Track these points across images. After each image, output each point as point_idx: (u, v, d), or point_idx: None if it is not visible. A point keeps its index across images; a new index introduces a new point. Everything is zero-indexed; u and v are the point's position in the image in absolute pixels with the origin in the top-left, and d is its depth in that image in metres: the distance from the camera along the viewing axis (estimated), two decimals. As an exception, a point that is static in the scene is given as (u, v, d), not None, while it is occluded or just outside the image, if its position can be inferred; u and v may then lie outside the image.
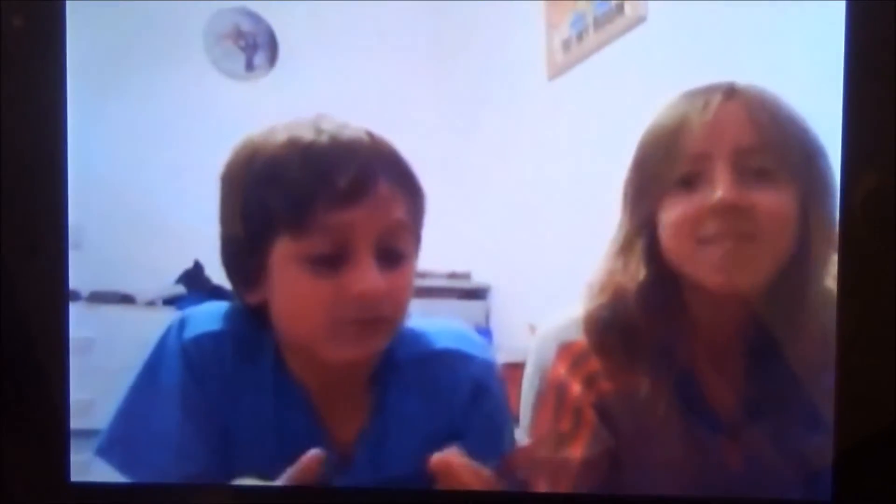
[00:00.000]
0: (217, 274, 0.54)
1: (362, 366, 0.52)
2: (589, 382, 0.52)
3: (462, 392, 0.53)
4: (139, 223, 0.56)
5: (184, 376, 0.52)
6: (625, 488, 0.51)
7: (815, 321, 0.50)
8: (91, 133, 0.52)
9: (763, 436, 0.52)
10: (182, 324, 0.53)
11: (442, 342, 0.54)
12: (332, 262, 0.47)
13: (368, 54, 0.55)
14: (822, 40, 0.49)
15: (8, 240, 0.49)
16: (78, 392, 0.51)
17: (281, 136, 0.49)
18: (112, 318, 0.55)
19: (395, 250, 0.49)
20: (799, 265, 0.50)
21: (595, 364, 0.52)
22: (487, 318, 0.59)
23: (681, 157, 0.49)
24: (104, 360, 0.55)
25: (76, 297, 0.52)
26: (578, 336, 0.53)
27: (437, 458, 0.48)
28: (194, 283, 0.55)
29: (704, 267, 0.50)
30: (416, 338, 0.54)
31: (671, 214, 0.50)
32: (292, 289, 0.49)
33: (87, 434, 0.53)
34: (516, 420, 0.55)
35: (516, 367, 0.56)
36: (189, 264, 0.55)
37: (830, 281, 0.50)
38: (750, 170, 0.49)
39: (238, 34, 0.55)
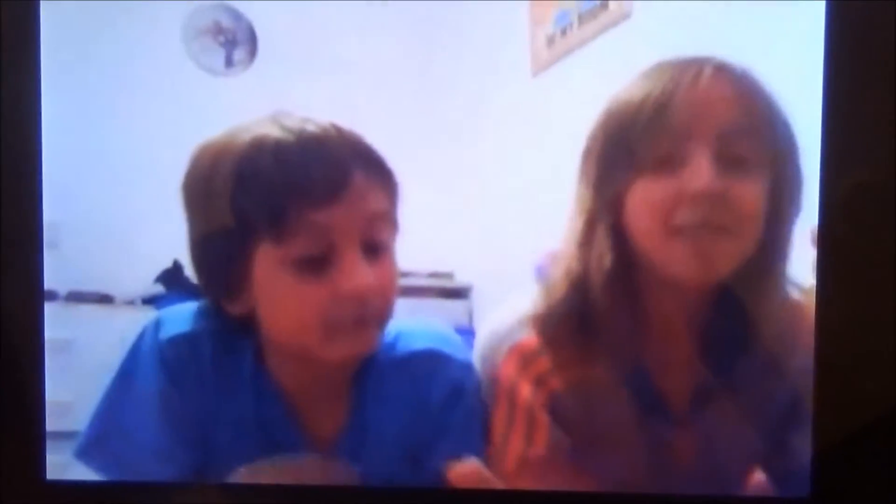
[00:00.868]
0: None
1: (349, 365, 0.52)
2: (539, 382, 0.51)
3: (440, 392, 0.53)
4: (117, 222, 0.55)
5: (160, 377, 0.52)
6: (586, 486, 0.51)
7: (772, 314, 0.50)
8: (66, 130, 0.52)
9: (716, 427, 0.51)
10: (157, 325, 0.53)
11: (421, 342, 0.54)
12: (319, 262, 0.47)
13: (349, 51, 0.54)
14: (807, 39, 0.48)
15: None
16: (57, 393, 0.51)
17: (244, 138, 0.48)
18: (90, 318, 0.54)
19: (378, 242, 0.49)
20: (760, 256, 0.49)
21: (545, 363, 0.51)
22: (470, 317, 0.59)
23: (660, 134, 0.47)
24: (83, 360, 0.54)
25: (53, 296, 0.52)
26: (527, 334, 0.52)
27: (467, 467, 0.48)
28: (173, 282, 0.54)
29: (674, 257, 0.48)
30: (395, 338, 0.53)
31: (640, 198, 0.49)
32: (281, 295, 0.49)
33: (67, 436, 0.52)
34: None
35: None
36: (168, 263, 0.55)
37: (789, 272, 0.49)
38: (729, 157, 0.48)
39: (218, 30, 0.54)
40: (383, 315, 0.50)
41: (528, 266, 0.56)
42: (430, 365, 0.52)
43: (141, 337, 0.52)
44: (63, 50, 0.50)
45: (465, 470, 0.49)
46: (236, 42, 0.55)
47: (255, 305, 0.49)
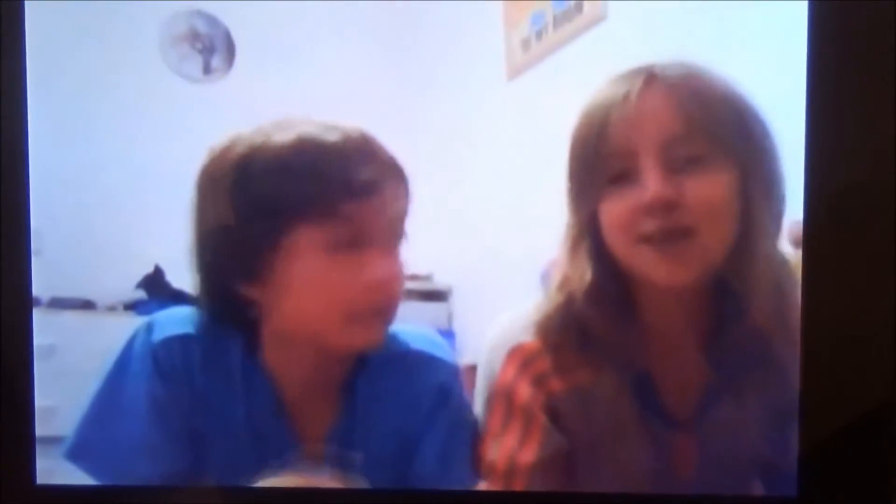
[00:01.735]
0: (177, 278, 0.54)
1: (349, 359, 0.53)
2: (538, 382, 0.52)
3: (428, 394, 0.54)
4: (98, 228, 0.56)
5: (153, 379, 0.52)
6: (583, 488, 0.51)
7: (766, 304, 0.50)
8: (48, 138, 0.52)
9: (719, 431, 0.52)
10: (150, 327, 0.53)
11: (411, 344, 0.55)
12: (354, 247, 0.50)
13: (325, 55, 0.55)
14: (786, 40, 0.48)
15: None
16: (40, 398, 0.51)
17: (285, 135, 0.50)
18: (73, 324, 0.55)
19: (398, 240, 0.51)
20: (745, 245, 0.50)
21: (544, 364, 0.52)
22: (450, 319, 0.59)
23: (607, 155, 0.49)
24: (66, 365, 0.54)
25: (37, 303, 0.52)
26: (529, 337, 0.53)
27: None
28: (155, 287, 0.55)
29: (648, 264, 0.49)
30: (387, 339, 0.55)
31: (609, 214, 0.50)
32: (313, 277, 0.50)
33: (52, 441, 0.53)
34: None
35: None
36: (149, 269, 0.55)
37: (780, 257, 0.49)
38: (680, 159, 0.48)
39: (195, 36, 0.55)
40: (393, 310, 0.52)
41: (507, 268, 0.57)
42: (419, 366, 0.54)
43: (132, 340, 0.52)
44: (45, 60, 0.51)
45: None
46: (214, 48, 0.55)
47: (276, 290, 0.50)
